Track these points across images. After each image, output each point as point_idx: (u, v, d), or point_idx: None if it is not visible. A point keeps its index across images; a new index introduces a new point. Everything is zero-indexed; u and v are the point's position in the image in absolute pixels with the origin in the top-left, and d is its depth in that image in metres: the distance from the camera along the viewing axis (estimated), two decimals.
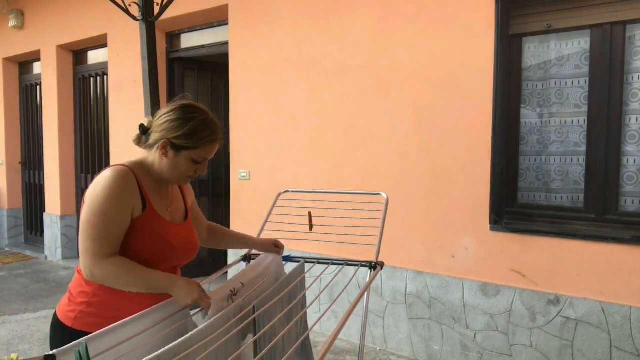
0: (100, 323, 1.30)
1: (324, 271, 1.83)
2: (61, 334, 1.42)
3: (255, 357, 1.13)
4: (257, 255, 1.98)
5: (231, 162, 4.27)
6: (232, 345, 1.42)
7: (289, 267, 1.84)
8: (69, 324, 1.42)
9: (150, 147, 1.50)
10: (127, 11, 2.82)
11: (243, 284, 1.61)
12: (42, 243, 6.48)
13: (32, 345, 3.62)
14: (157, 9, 2.81)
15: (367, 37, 3.44)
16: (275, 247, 1.91)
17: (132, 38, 4.61)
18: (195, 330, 1.21)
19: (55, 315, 1.48)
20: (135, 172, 1.47)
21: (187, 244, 1.56)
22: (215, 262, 5.19)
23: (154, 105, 2.88)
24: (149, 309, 1.35)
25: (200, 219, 1.79)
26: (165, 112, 1.49)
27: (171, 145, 1.46)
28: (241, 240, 1.90)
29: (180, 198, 1.66)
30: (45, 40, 5.99)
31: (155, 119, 1.50)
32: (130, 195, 1.42)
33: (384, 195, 2.12)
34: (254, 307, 1.50)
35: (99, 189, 1.38)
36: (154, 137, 1.49)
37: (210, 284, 4.41)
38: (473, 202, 3.05)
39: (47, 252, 6.31)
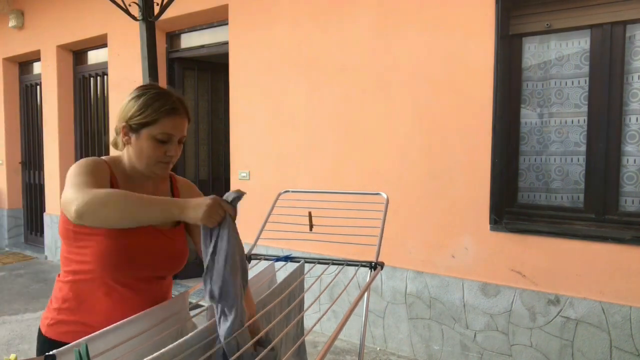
0: (70, 332, 1.28)
1: (324, 271, 1.83)
2: (38, 340, 1.37)
3: (254, 357, 1.13)
4: (258, 255, 1.98)
5: (231, 162, 4.27)
6: None
7: (289, 267, 1.84)
8: (43, 330, 1.36)
9: (121, 141, 1.40)
10: (127, 11, 2.82)
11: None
12: (42, 243, 6.48)
13: (32, 345, 3.62)
14: (157, 9, 2.80)
15: (367, 37, 3.44)
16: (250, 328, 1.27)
17: (132, 38, 4.61)
18: (195, 331, 1.21)
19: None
20: (110, 165, 1.38)
21: (160, 249, 1.37)
22: None
23: None
24: (149, 309, 1.35)
25: None
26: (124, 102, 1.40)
27: (130, 128, 1.35)
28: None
29: None
30: (45, 40, 5.99)
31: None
32: (102, 180, 1.29)
33: (384, 195, 2.11)
34: None
35: (71, 170, 1.28)
36: (116, 128, 1.40)
37: None
38: (473, 202, 3.05)
39: (47, 252, 6.31)
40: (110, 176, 1.34)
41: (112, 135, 1.43)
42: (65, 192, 1.21)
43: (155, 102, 1.34)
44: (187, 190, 1.56)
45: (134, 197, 1.15)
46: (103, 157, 1.40)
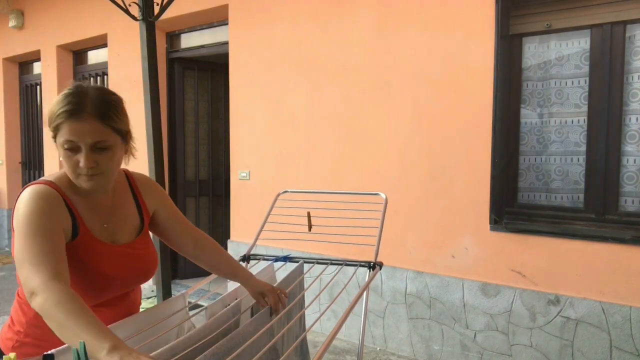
0: (39, 354, 1.08)
1: (323, 271, 1.83)
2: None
3: (254, 357, 1.13)
4: (257, 255, 1.98)
5: (231, 162, 4.27)
6: None
7: (289, 267, 1.84)
8: (7, 353, 1.23)
9: None
10: (127, 11, 2.82)
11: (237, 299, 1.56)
12: None
13: None
14: (157, 9, 2.80)
15: (367, 37, 3.43)
16: (263, 296, 1.44)
17: (132, 38, 4.61)
18: (193, 330, 1.21)
19: None
20: (60, 187, 1.18)
21: (130, 269, 1.27)
22: None
23: (154, 105, 2.88)
24: (149, 309, 1.35)
25: (183, 228, 1.43)
26: None
27: (53, 136, 1.16)
28: (232, 272, 1.47)
29: (131, 208, 1.33)
30: (45, 40, 5.99)
31: None
32: (57, 217, 1.13)
33: (383, 195, 2.12)
34: (252, 307, 1.50)
35: (20, 214, 1.11)
36: None
37: (210, 284, 4.41)
38: (473, 202, 3.05)
39: None
40: (66, 204, 1.17)
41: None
42: (21, 269, 1.04)
43: (59, 103, 1.13)
44: (145, 188, 1.38)
45: (62, 323, 0.94)
46: (49, 179, 1.20)
